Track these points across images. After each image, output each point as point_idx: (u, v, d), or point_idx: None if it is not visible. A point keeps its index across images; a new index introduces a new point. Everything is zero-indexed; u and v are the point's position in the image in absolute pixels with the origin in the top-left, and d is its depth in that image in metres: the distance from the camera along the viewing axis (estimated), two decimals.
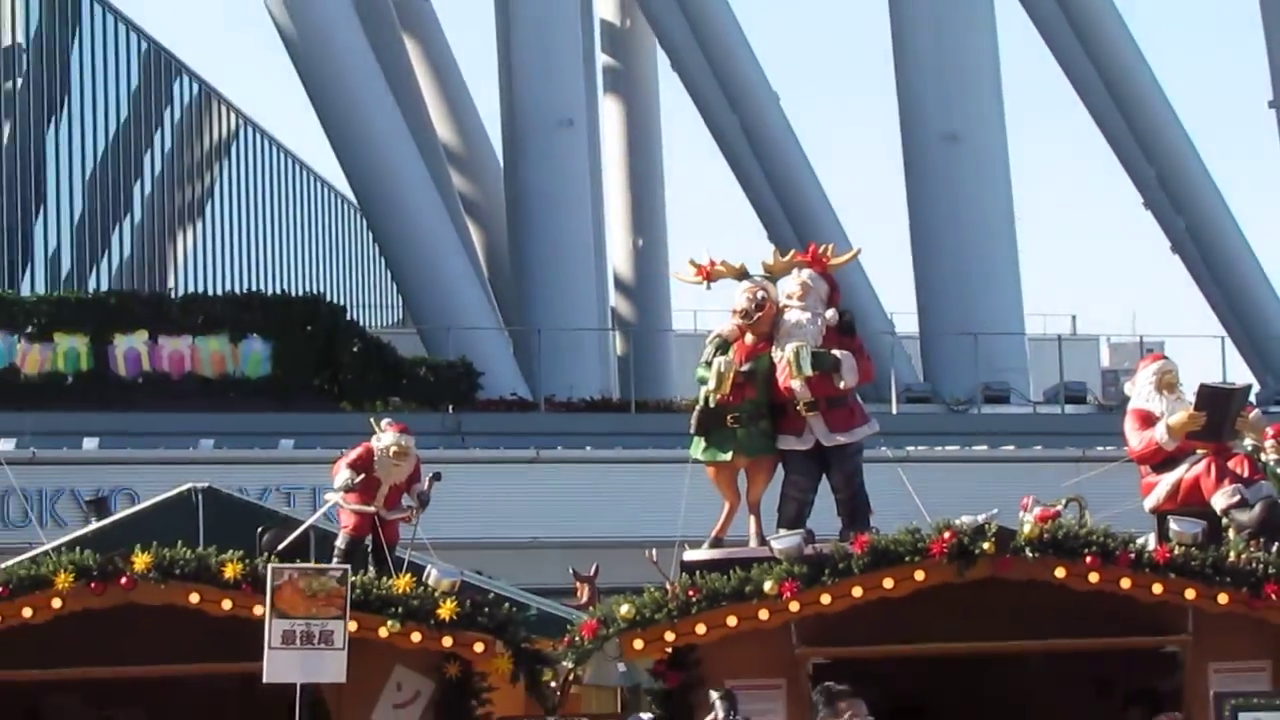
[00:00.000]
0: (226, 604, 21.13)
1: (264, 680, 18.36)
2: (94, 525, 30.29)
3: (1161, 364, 22.45)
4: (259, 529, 25.47)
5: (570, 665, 22.34)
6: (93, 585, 21.58)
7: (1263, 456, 21.95)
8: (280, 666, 18.10)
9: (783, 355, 21.63)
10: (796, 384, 21.46)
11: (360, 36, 66.47)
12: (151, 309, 54.66)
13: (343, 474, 24.33)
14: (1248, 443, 22.20)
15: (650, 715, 21.76)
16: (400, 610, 20.99)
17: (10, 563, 22.92)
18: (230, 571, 21.19)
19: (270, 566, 19.36)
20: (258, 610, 20.03)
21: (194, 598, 21.33)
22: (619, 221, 76.35)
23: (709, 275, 22.79)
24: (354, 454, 24.61)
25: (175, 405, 48.62)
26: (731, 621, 20.88)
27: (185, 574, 21.42)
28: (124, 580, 21.54)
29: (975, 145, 65.13)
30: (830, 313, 21.97)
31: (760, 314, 21.99)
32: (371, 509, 24.06)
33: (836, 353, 21.73)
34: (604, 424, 52.52)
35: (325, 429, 38.51)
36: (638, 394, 61.81)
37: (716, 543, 21.93)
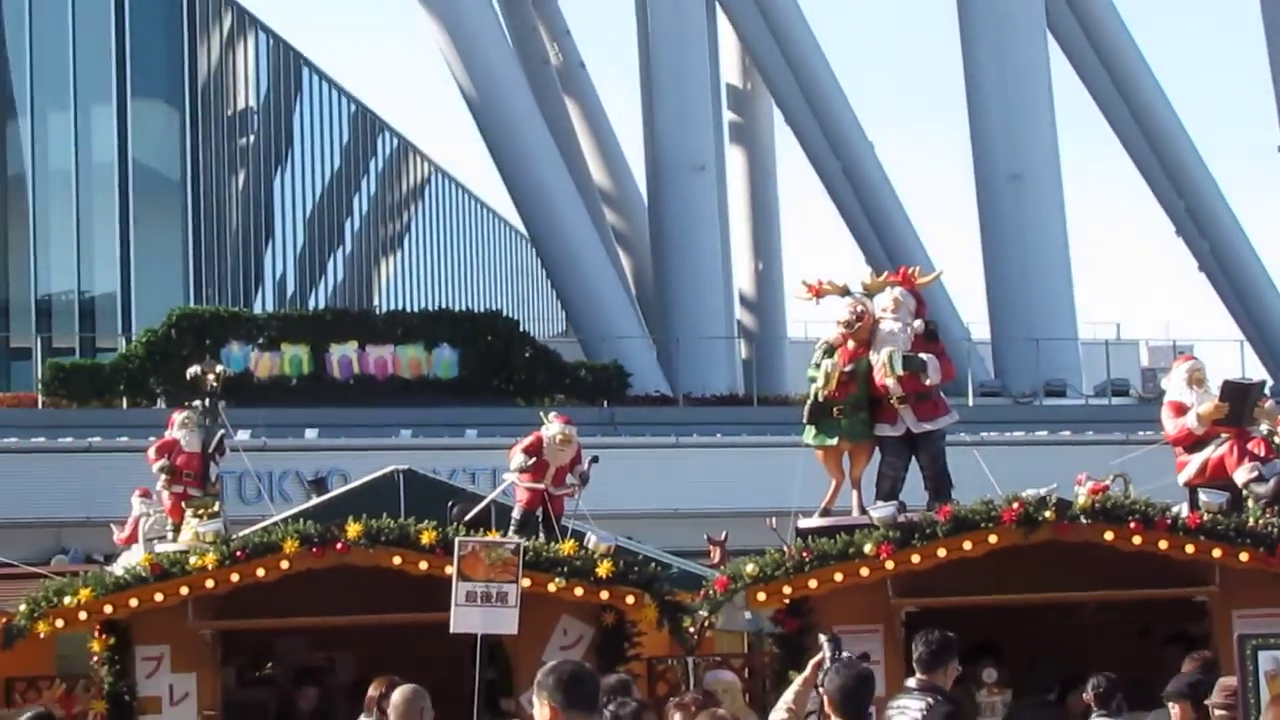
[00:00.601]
0: (423, 565, 21.20)
1: (450, 630, 18.50)
2: (314, 501, 30.48)
3: (1192, 363, 22.50)
4: (449, 503, 25.58)
5: (705, 614, 22.32)
6: (314, 550, 21.68)
7: (1276, 439, 21.89)
8: (464, 620, 18.20)
9: (879, 358, 21.59)
10: (890, 381, 21.42)
11: (529, 98, 66.52)
12: (360, 323, 54.84)
13: (518, 458, 24.36)
14: (1264, 427, 22.11)
15: (731, 674, 22.38)
16: (565, 569, 21.18)
17: (246, 532, 23.02)
18: (426, 538, 21.31)
19: (456, 539, 19.43)
20: (448, 570, 20.06)
21: (396, 560, 21.43)
22: (742, 248, 76.15)
23: (818, 292, 22.77)
24: (527, 441, 24.66)
25: (380, 402, 48.75)
26: (838, 577, 20.88)
27: (389, 540, 21.59)
28: (339, 545, 21.65)
29: (1036, 183, 64.90)
30: (917, 323, 21.91)
31: (860, 324, 21.95)
32: (541, 486, 24.10)
33: (923, 356, 21.67)
34: (731, 415, 52.47)
35: (502, 421, 38.52)
36: (759, 390, 61.65)
37: (825, 512, 21.92)
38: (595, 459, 24.64)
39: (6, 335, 59.99)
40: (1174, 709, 16.99)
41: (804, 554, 21.20)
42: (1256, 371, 45.90)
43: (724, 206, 71.46)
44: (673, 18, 65.37)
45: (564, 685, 12.70)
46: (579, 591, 21.45)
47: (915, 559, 20.90)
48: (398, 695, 16.38)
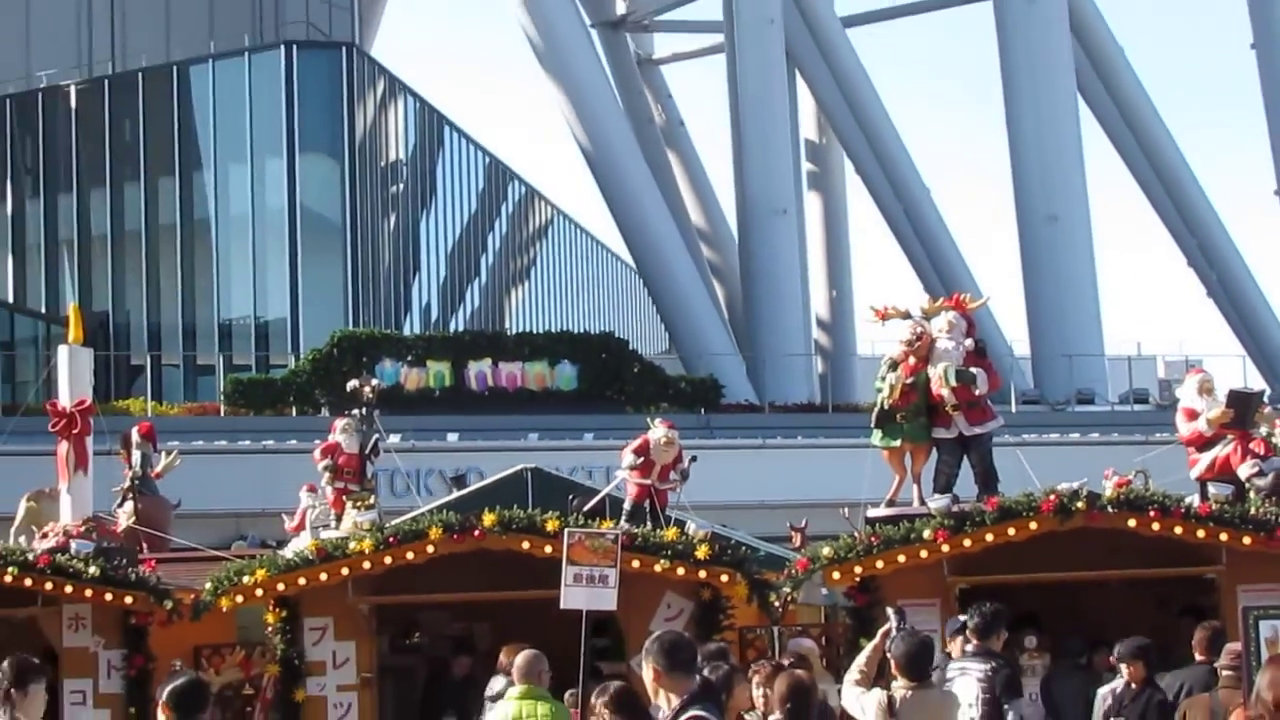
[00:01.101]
0: (548, 549, 21.20)
1: (561, 607, 18.58)
2: (455, 495, 30.49)
3: (1202, 375, 22.67)
4: (569, 496, 25.75)
5: (788, 590, 22.37)
6: (455, 536, 21.77)
7: (1275, 440, 21.90)
8: (571, 598, 18.34)
9: (935, 372, 21.61)
10: (945, 392, 21.45)
11: (636, 151, 66.48)
12: (493, 342, 54.86)
13: (628, 457, 24.41)
14: (1264, 430, 22.12)
15: (810, 641, 22.19)
16: (669, 552, 21.33)
17: (397, 521, 23.10)
18: (550, 526, 21.36)
19: (565, 530, 19.57)
20: (593, 557, 20.22)
21: (525, 544, 21.53)
22: (819, 278, 76.03)
23: (884, 316, 22.82)
24: (636, 443, 24.69)
25: (510, 410, 48.75)
26: (901, 559, 20.92)
27: (518, 528, 21.69)
28: (476, 532, 21.74)
29: (1069, 223, 64.63)
30: (968, 341, 21.95)
31: (919, 343, 21.99)
32: (648, 481, 24.15)
33: (973, 370, 21.70)
34: (809, 421, 52.36)
35: (615, 426, 38.49)
36: (833, 399, 61.55)
37: (890, 503, 21.97)
38: (694, 458, 24.85)
39: (194, 354, 60.20)
40: (1125, 669, 17.24)
41: (872, 539, 21.40)
42: (1257, 382, 45.62)
43: (803, 243, 71.39)
44: (759, 82, 65.30)
45: (665, 651, 12.78)
46: (680, 571, 21.63)
47: (967, 543, 21.01)
48: (520, 658, 16.80)
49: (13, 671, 12.68)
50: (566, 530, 20.14)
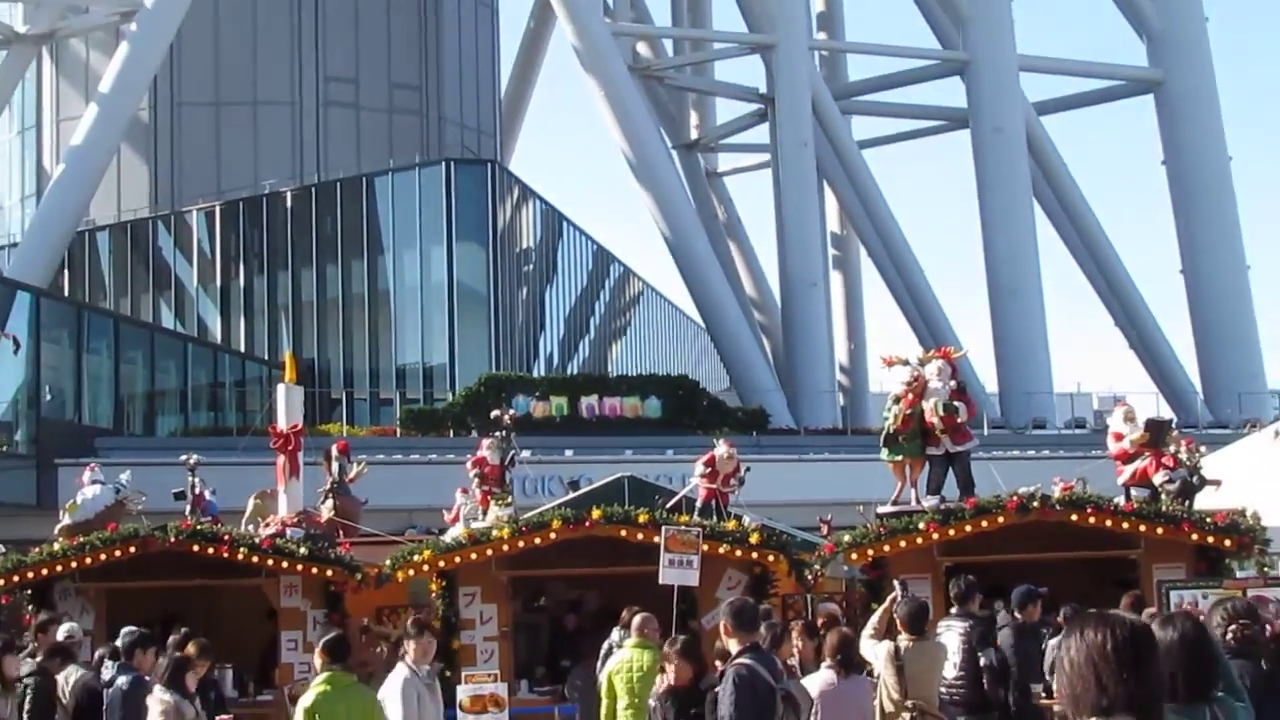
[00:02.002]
0: (639, 536, 21.33)
1: (659, 583, 18.90)
2: (571, 495, 30.53)
3: (1126, 408, 23.06)
4: (655, 497, 25.80)
5: (818, 567, 22.49)
6: (570, 526, 21.90)
7: (1180, 456, 21.89)
8: (667, 577, 18.85)
9: (928, 405, 21.66)
10: (935, 420, 21.52)
11: (704, 238, 66.60)
12: (599, 382, 54.96)
13: (699, 468, 24.58)
14: (1172, 449, 22.13)
15: (834, 605, 22.70)
16: (730, 539, 21.53)
17: (527, 515, 23.19)
18: (641, 519, 21.54)
19: (663, 528, 19.87)
20: (655, 539, 20.19)
21: (622, 532, 21.65)
22: (840, 334, 75.97)
23: (890, 363, 22.97)
24: (705, 457, 24.79)
25: (612, 432, 48.72)
26: (902, 544, 21.02)
27: (617, 520, 21.84)
28: (587, 523, 21.86)
29: (1026, 295, 64.63)
30: (952, 382, 22.01)
31: (916, 384, 22.04)
32: (714, 486, 24.27)
33: (956, 403, 21.77)
34: (834, 441, 52.27)
35: (689, 445, 38.47)
36: (852, 425, 61.61)
37: (895, 503, 22.05)
38: (748, 469, 25.25)
39: (377, 391, 60.44)
40: (1019, 613, 17.57)
41: (880, 529, 21.68)
42: (1166, 413, 45.62)
43: (829, 308, 71.32)
44: (796, 189, 65.32)
45: (734, 613, 13.14)
46: (738, 553, 21.90)
47: (951, 532, 21.21)
48: (637, 618, 17.26)
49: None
50: (664, 527, 20.54)
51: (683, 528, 21.39)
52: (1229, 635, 11.69)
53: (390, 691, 15.42)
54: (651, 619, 17.60)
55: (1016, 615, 18.19)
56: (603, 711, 17.49)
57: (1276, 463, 23.46)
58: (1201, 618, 12.88)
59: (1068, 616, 17.47)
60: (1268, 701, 9.76)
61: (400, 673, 15.55)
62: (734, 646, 13.30)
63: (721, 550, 21.89)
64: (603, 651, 19.95)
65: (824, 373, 66.42)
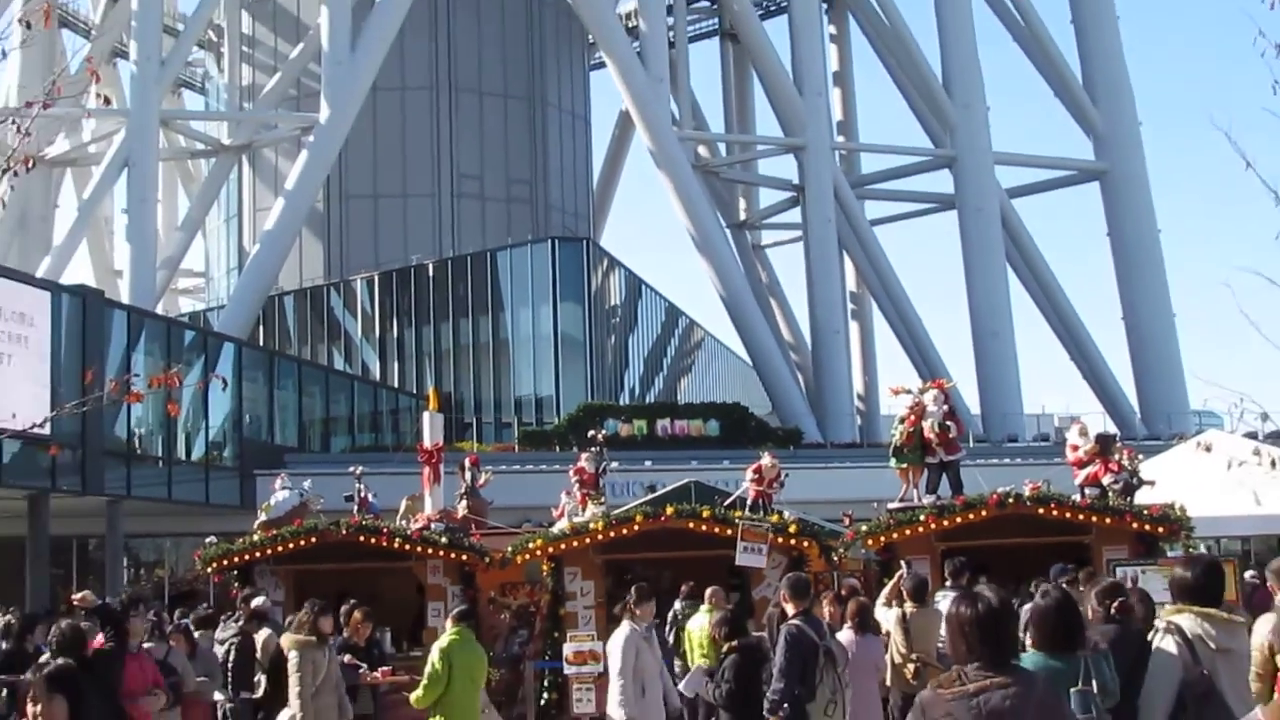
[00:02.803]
0: (704, 528, 21.34)
1: (736, 564, 19.21)
2: (649, 496, 30.40)
3: (1081, 425, 23.06)
4: (715, 497, 25.81)
5: (842, 550, 22.46)
6: (649, 520, 21.91)
7: (1124, 463, 21.78)
8: (742, 560, 19.21)
9: (927, 424, 21.57)
10: (932, 435, 21.45)
11: (750, 296, 66.56)
12: (671, 409, 54.87)
13: (749, 475, 24.56)
14: (1118, 457, 22.00)
15: (855, 580, 22.50)
16: (774, 529, 21.24)
17: (616, 511, 23.15)
18: (705, 514, 21.60)
19: (739, 522, 20.15)
20: (715, 530, 20.19)
21: (690, 525, 21.66)
22: (858, 370, 75.69)
23: (896, 392, 23.30)
24: (753, 466, 24.73)
25: (681, 448, 48.50)
26: (907, 532, 20.87)
27: (686, 515, 21.86)
28: (663, 518, 21.83)
29: (1003, 337, 64.38)
30: (945, 406, 21.94)
31: (916, 407, 21.98)
32: (761, 488, 24.27)
33: (948, 422, 21.71)
34: (854, 453, 51.85)
35: (741, 457, 38.19)
36: (868, 439, 61.26)
37: (901, 501, 21.96)
38: (787, 475, 25.34)
39: (500, 416, 60.52)
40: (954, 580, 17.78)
41: (890, 521, 21.55)
42: (1112, 428, 45.31)
43: (849, 350, 71.14)
44: (822, 256, 65.27)
45: (792, 585, 13.20)
46: (780, 540, 21.53)
47: (945, 523, 21.09)
48: (710, 589, 18.42)
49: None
50: (740, 521, 20.79)
51: (756, 522, 21.63)
52: (1112, 608, 11.83)
53: (615, 644, 15.53)
54: (719, 590, 18.68)
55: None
56: (687, 657, 18.54)
57: (1197, 468, 23.28)
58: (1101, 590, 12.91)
59: (1032, 589, 17.46)
60: (1139, 662, 9.75)
61: (624, 629, 15.55)
62: (790, 610, 13.44)
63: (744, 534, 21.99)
64: (669, 617, 20.33)
65: (845, 399, 66.24)
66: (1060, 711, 7.24)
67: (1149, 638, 9.90)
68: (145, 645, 15.31)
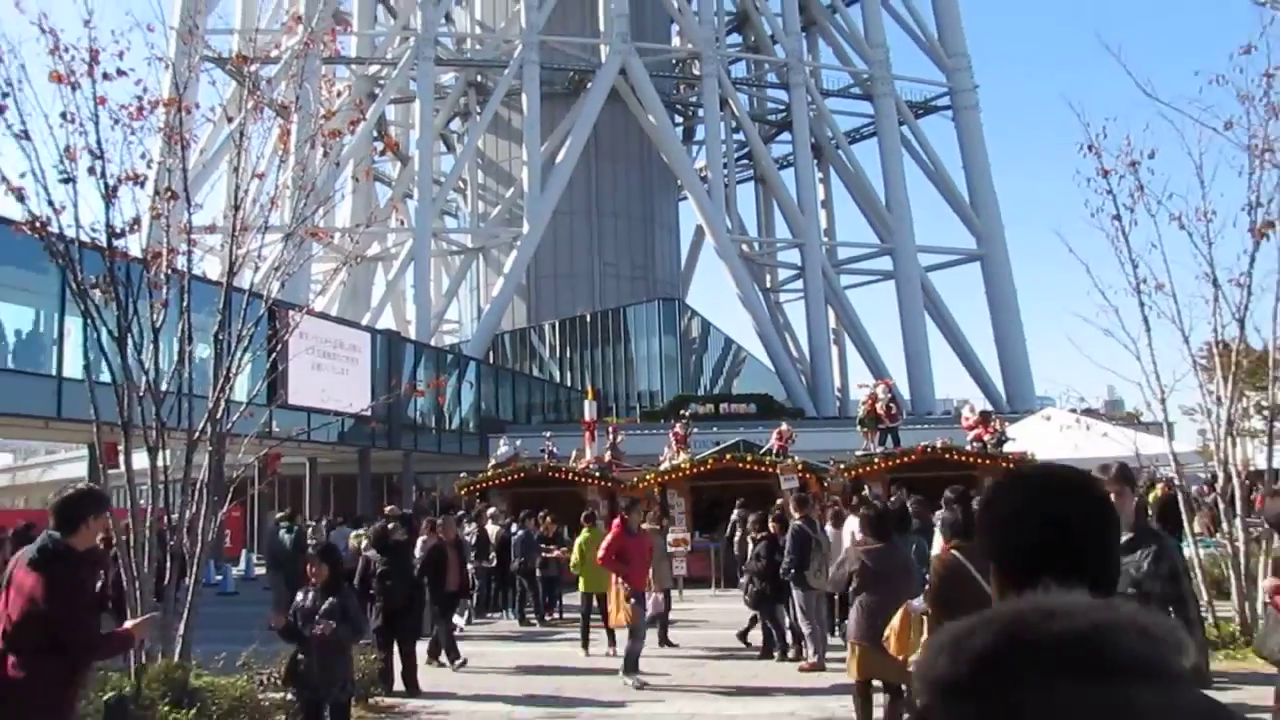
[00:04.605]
0: (749, 466, 21.14)
1: (782, 488, 19.23)
2: (715, 449, 29.97)
3: (970, 405, 22.75)
4: (758, 447, 25.24)
5: (829, 479, 22.12)
6: (717, 461, 21.62)
7: (996, 427, 21.37)
8: (785, 484, 18.51)
9: (879, 404, 21.33)
10: (882, 411, 21.20)
11: (774, 333, 65.96)
12: (728, 398, 54.44)
13: (773, 437, 24.12)
14: (993, 424, 21.61)
15: (837, 497, 20.87)
16: (788, 465, 20.90)
17: (697, 457, 22.90)
18: (749, 458, 21.29)
19: (780, 464, 19.92)
20: (759, 468, 19.99)
21: (740, 465, 21.24)
22: (837, 372, 74.42)
23: (861, 386, 22.98)
24: (776, 431, 24.30)
25: (735, 420, 47.00)
26: (868, 469, 20.59)
27: (738, 459, 21.52)
28: (725, 460, 21.61)
29: (923, 355, 63.15)
30: (889, 394, 21.71)
31: (872, 395, 21.74)
32: (781, 443, 23.87)
33: (891, 404, 21.46)
34: (835, 422, 50.89)
35: (770, 426, 37.93)
36: (843, 414, 60.46)
37: (864, 452, 21.65)
38: (795, 437, 24.64)
39: (628, 402, 60.01)
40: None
41: (857, 462, 21.14)
42: (989, 406, 44.38)
43: (831, 361, 70.22)
44: (816, 310, 64.58)
45: (797, 498, 13.06)
46: (790, 464, 21.08)
47: (890, 463, 20.68)
48: (750, 516, 17.12)
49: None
50: (781, 464, 20.46)
51: (791, 462, 21.36)
52: (913, 508, 13.56)
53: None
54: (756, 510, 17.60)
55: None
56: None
57: (1041, 430, 22.93)
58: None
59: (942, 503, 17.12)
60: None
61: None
62: (796, 515, 13.27)
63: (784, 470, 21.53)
64: (732, 517, 19.78)
65: (829, 390, 65.38)
66: (909, 565, 8.47)
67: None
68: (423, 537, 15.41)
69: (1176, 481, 14.06)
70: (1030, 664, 1.14)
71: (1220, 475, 12.42)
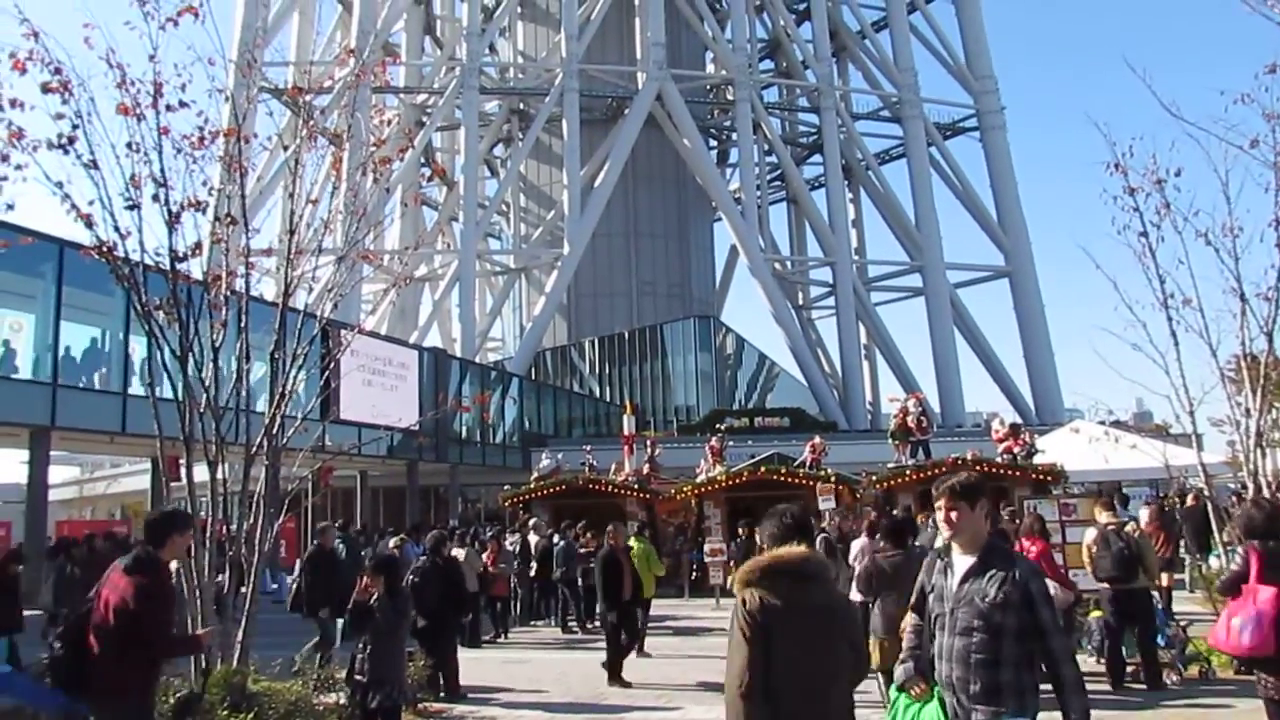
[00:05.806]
0: (783, 479, 20.97)
1: (819, 508, 19.03)
2: (750, 462, 29.79)
3: (1000, 417, 22.69)
4: (791, 460, 25.10)
5: (862, 491, 21.95)
6: (754, 473, 21.52)
7: (1026, 439, 21.15)
8: (822, 504, 18.77)
9: (910, 418, 21.15)
10: (912, 424, 21.01)
11: (806, 348, 65.63)
12: (762, 411, 54.18)
13: (807, 450, 23.96)
14: (1024, 437, 21.42)
15: (870, 508, 20.86)
16: (824, 478, 20.74)
17: (732, 470, 22.80)
18: (783, 470, 21.12)
19: (818, 484, 19.50)
20: (793, 480, 19.83)
21: (774, 477, 21.15)
22: (869, 386, 74.06)
23: (893, 399, 22.68)
24: (809, 444, 24.15)
25: (770, 433, 46.61)
26: (899, 481, 20.40)
27: (773, 471, 21.31)
28: (759, 473, 21.45)
29: (952, 369, 62.64)
30: (920, 408, 21.53)
31: (903, 409, 21.54)
32: (814, 456, 23.72)
33: (923, 417, 21.28)
34: (867, 436, 50.49)
35: (803, 439, 37.71)
36: (875, 427, 59.93)
37: (896, 464, 21.46)
38: (828, 449, 24.58)
39: (665, 416, 59.79)
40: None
41: (889, 474, 20.93)
42: (1018, 419, 43.74)
43: (863, 376, 69.74)
44: (848, 326, 64.29)
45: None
46: (828, 485, 20.92)
47: (920, 475, 20.48)
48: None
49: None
50: (819, 484, 20.30)
51: (827, 477, 21.25)
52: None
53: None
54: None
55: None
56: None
57: (1069, 442, 22.62)
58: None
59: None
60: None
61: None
62: (826, 523, 13.16)
63: (820, 484, 21.35)
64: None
65: (861, 404, 65.00)
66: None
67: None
68: (456, 550, 15.31)
69: (1206, 493, 13.81)
70: (775, 573, 4.17)
71: (1250, 486, 12.18)
